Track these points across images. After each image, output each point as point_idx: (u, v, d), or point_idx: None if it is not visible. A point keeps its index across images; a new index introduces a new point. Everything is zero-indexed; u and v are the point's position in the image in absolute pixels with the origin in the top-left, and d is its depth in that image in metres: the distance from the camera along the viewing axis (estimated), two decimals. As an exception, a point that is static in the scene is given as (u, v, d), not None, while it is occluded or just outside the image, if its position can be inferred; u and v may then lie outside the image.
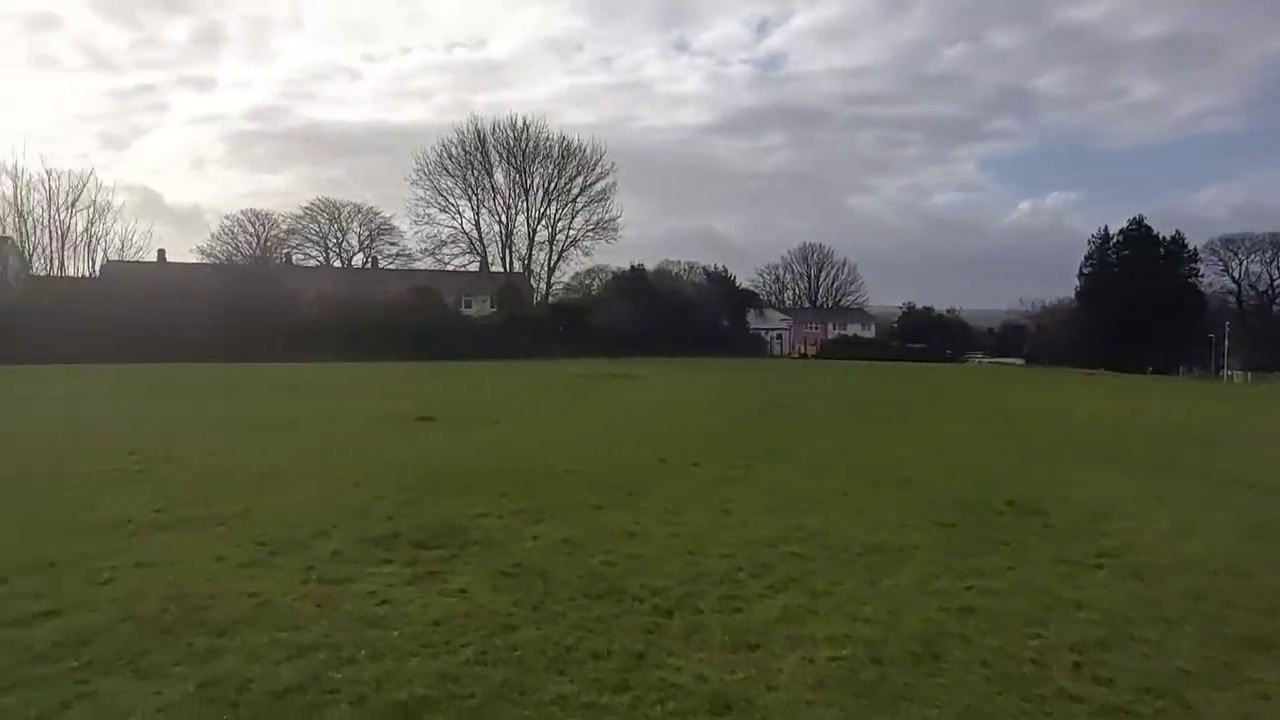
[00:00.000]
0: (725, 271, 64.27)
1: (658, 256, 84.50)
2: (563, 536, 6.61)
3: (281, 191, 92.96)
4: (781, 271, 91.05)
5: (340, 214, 67.15)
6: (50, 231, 48.66)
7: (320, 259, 66.95)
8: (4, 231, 48.32)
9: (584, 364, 39.82)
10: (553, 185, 61.48)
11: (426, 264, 62.50)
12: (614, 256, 71.42)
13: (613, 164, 62.53)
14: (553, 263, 63.02)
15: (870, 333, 78.95)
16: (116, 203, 62.46)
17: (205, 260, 58.45)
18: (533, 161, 61.02)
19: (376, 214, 67.52)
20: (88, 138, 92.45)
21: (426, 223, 61.64)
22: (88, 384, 23.69)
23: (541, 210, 61.85)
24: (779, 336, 72.15)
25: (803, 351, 69.77)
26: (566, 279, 64.83)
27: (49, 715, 3.56)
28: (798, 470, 10.50)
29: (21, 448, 11.11)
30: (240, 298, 42.50)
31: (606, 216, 63.02)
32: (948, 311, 77.32)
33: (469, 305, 57.38)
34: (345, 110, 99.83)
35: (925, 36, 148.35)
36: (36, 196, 48.13)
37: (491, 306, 56.71)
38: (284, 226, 64.81)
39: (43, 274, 48.04)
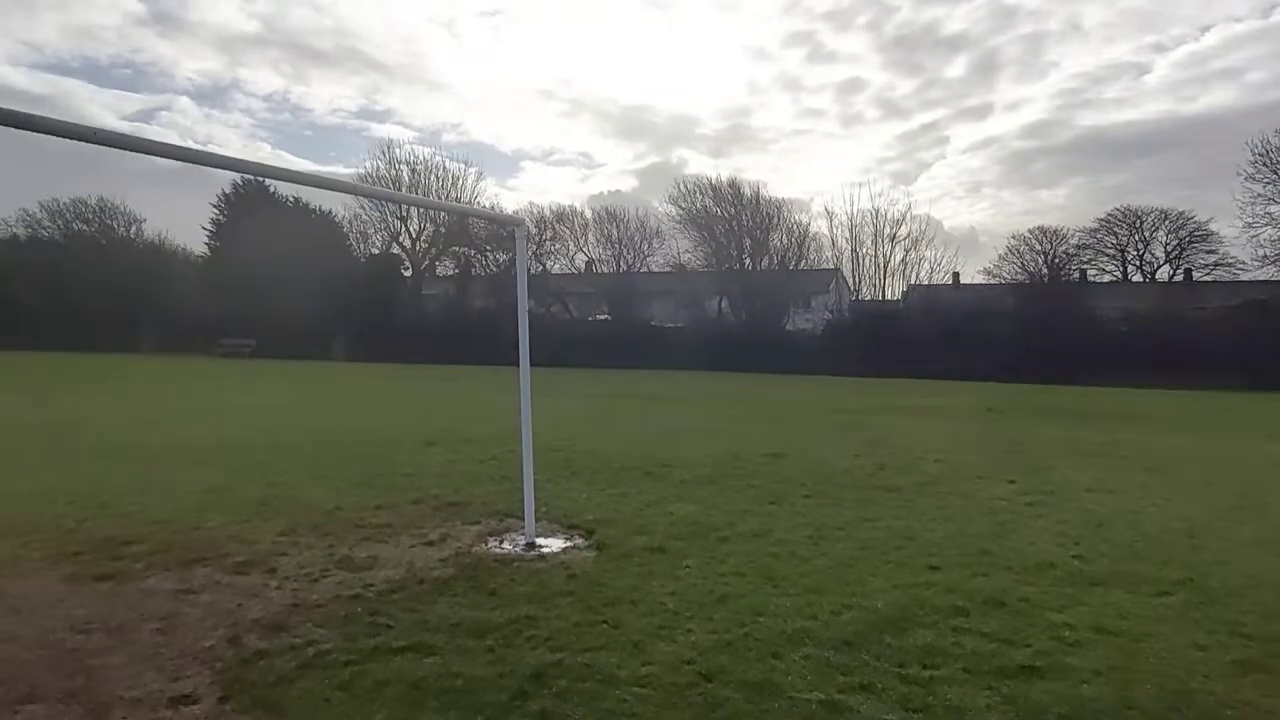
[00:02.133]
0: None
1: None
2: None
3: (1058, 205, 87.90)
4: None
5: (1142, 223, 60.33)
6: (875, 262, 57.26)
7: (1117, 273, 61.52)
8: (838, 264, 59.15)
9: None
10: None
11: (1265, 274, 50.45)
12: None
13: None
14: None
15: None
16: (912, 232, 69.10)
17: (992, 280, 59.82)
18: None
19: (1189, 219, 58.26)
20: (884, 177, 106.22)
21: (1266, 224, 49.74)
22: (918, 400, 26.12)
23: None
24: None
25: None
26: None
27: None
28: None
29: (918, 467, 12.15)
30: (1036, 316, 41.83)
31: None
32: None
33: (1327, 323, 44.28)
34: (1129, 110, 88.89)
35: None
36: (866, 233, 57.39)
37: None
38: (1073, 241, 61.69)
39: (866, 299, 56.79)
